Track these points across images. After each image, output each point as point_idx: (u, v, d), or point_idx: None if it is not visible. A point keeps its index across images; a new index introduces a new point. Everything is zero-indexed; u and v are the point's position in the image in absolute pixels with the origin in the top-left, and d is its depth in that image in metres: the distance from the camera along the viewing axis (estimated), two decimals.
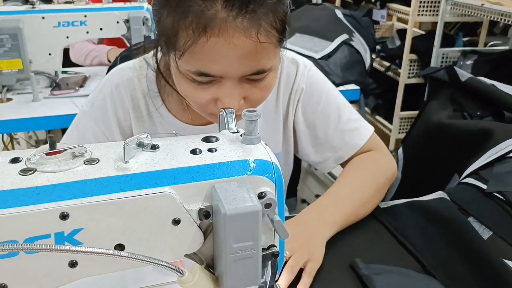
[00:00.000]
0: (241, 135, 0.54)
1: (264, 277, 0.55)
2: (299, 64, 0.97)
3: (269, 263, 0.53)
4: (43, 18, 1.61)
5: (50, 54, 1.66)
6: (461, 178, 1.12)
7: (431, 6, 2.71)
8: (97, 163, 0.48)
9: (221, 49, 0.69)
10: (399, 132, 2.95)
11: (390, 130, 3.03)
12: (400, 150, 1.39)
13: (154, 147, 0.51)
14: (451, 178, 1.23)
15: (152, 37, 1.70)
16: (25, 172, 0.46)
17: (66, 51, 1.84)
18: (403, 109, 2.92)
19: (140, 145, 0.50)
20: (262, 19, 0.69)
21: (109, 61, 1.97)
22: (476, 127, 1.17)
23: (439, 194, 1.02)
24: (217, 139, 0.54)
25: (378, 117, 3.11)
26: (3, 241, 0.42)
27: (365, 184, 0.93)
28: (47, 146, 0.49)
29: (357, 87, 1.77)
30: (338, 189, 0.92)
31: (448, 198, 0.97)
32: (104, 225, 0.46)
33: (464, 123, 1.20)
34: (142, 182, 0.47)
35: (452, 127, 1.21)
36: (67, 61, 1.95)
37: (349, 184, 0.93)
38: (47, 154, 0.47)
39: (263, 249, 0.52)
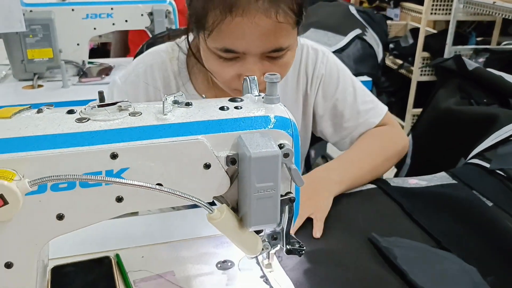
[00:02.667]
0: (262, 97, 0.62)
1: (281, 222, 0.62)
2: (318, 51, 1.06)
3: (286, 207, 0.61)
4: (72, 10, 1.71)
5: (78, 44, 1.76)
6: (467, 159, 1.18)
7: (444, 5, 2.76)
8: (140, 115, 0.56)
9: (244, 28, 0.78)
10: None
11: (403, 127, 3.08)
12: (410, 137, 1.45)
13: (188, 104, 0.59)
14: (458, 162, 1.29)
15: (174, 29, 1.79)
16: (80, 120, 0.54)
17: None
18: (415, 106, 2.97)
19: (176, 102, 0.58)
20: (281, 2, 0.79)
21: None
22: (482, 112, 1.23)
23: (442, 174, 1.07)
24: (241, 100, 0.62)
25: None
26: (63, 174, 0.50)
27: (374, 153, 1.00)
28: (96, 101, 0.57)
29: (369, 79, 1.84)
30: (347, 155, 1.00)
31: (452, 179, 1.02)
32: (146, 166, 0.54)
33: (471, 109, 1.26)
34: (178, 130, 0.55)
35: (459, 113, 1.27)
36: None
37: (358, 151, 1.00)
38: (98, 106, 0.55)
39: (281, 196, 0.59)
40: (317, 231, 0.82)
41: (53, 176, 0.49)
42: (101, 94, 0.58)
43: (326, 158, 2.87)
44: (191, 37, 0.97)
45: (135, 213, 1.06)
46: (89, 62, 1.90)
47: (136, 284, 0.68)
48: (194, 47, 0.96)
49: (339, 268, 0.75)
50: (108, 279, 0.68)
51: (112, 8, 1.73)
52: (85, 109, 0.56)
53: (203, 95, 0.97)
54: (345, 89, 1.06)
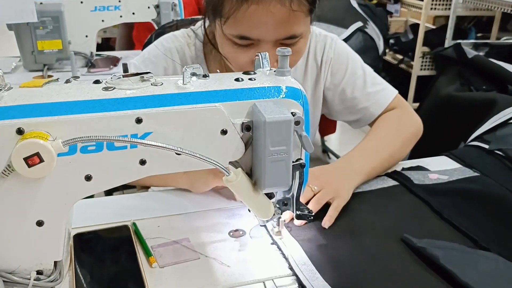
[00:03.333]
0: (274, 71, 0.66)
1: (292, 188, 0.66)
2: (327, 37, 1.09)
3: (297, 173, 0.65)
4: (81, 2, 1.75)
5: (86, 36, 1.80)
6: (467, 142, 1.22)
7: (443, 0, 2.80)
8: (161, 85, 0.60)
9: (260, 15, 0.81)
10: None
11: None
12: None
13: (205, 76, 0.63)
14: (458, 146, 1.33)
15: None
16: (106, 89, 0.58)
17: None
18: (415, 100, 3.01)
19: (194, 74, 0.63)
20: None
21: None
22: (481, 97, 1.27)
23: (442, 157, 1.11)
24: (255, 73, 0.66)
25: None
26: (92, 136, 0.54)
27: (391, 138, 1.02)
28: (120, 72, 0.61)
29: None
30: (365, 143, 1.02)
31: (473, 172, 1.00)
32: (168, 131, 0.58)
33: (470, 95, 1.30)
34: (197, 98, 0.59)
35: (459, 99, 1.31)
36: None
37: (376, 138, 1.03)
38: (123, 76, 0.60)
39: (292, 162, 0.63)
40: (327, 221, 0.80)
41: (84, 137, 0.54)
42: (125, 66, 0.62)
43: (326, 152, 2.91)
44: (207, 24, 1.00)
45: (147, 188, 1.10)
46: (97, 55, 1.94)
47: (154, 249, 0.72)
48: (210, 34, 0.99)
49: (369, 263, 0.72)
50: (128, 244, 0.72)
51: (119, 1, 1.77)
52: (111, 79, 0.60)
53: (218, 70, 1.01)
54: (354, 72, 1.09)
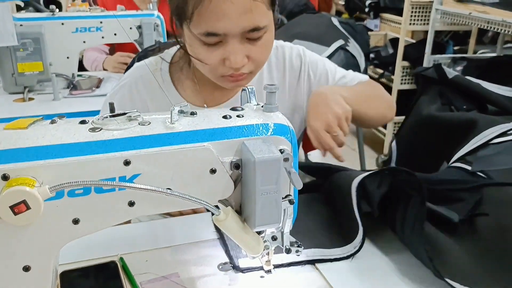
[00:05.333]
0: (262, 106, 0.66)
1: (281, 223, 0.66)
2: (298, 48, 1.14)
3: (286, 209, 0.65)
4: (62, 24, 1.73)
5: (68, 57, 1.79)
6: (449, 163, 1.24)
7: (422, 15, 2.86)
8: (149, 124, 0.60)
9: (223, 7, 0.83)
10: None
11: (384, 135, 3.16)
12: (394, 143, 1.51)
13: (192, 114, 0.63)
14: (440, 166, 1.34)
15: (163, 41, 1.83)
16: (93, 130, 0.58)
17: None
18: (397, 113, 3.04)
19: (181, 112, 0.62)
20: None
21: (104, 69, 2.15)
22: (462, 118, 1.29)
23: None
24: (242, 109, 0.66)
25: None
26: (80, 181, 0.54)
27: (372, 89, 1.12)
28: (106, 112, 0.61)
29: None
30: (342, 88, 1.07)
31: None
32: (157, 172, 0.58)
33: (451, 115, 1.32)
34: (186, 138, 0.59)
35: (440, 119, 1.33)
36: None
37: (355, 86, 1.12)
38: (110, 116, 0.59)
39: (281, 198, 0.63)
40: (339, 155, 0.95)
41: (72, 182, 0.53)
42: (111, 105, 0.61)
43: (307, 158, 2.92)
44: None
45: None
46: (78, 75, 1.92)
47: (143, 286, 0.71)
48: (179, 56, 1.03)
49: None
50: (116, 281, 0.71)
51: (101, 22, 1.76)
52: (97, 119, 0.59)
53: (205, 105, 1.02)
54: (327, 70, 1.14)
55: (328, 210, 0.97)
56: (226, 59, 0.89)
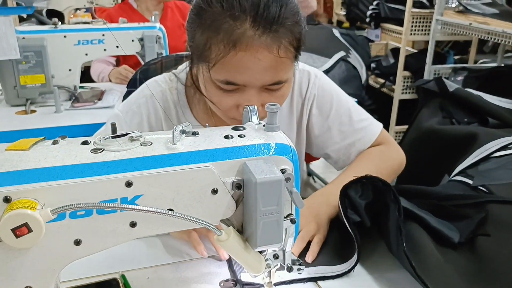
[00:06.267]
0: (263, 126, 0.66)
1: (283, 242, 0.66)
2: (310, 74, 1.10)
3: (288, 228, 0.65)
4: (64, 37, 1.74)
5: (70, 70, 1.79)
6: (450, 177, 1.24)
7: (422, 26, 2.87)
8: (151, 145, 0.60)
9: (247, 62, 0.82)
10: None
11: None
12: None
13: (194, 134, 0.63)
14: (442, 179, 1.35)
15: (164, 54, 1.84)
16: (95, 151, 0.58)
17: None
18: (397, 123, 3.05)
19: (183, 132, 0.63)
20: (282, 38, 0.82)
21: (110, 80, 2.16)
22: (462, 131, 1.30)
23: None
24: (244, 128, 0.66)
25: None
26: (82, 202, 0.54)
27: (369, 172, 1.03)
28: (107, 131, 0.61)
29: (354, 100, 1.90)
30: (343, 177, 1.03)
31: None
32: (159, 193, 0.58)
33: (452, 128, 1.33)
34: (187, 159, 0.59)
35: (441, 132, 1.33)
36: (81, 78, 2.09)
37: (353, 172, 1.04)
38: (112, 137, 0.59)
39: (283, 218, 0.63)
40: (311, 256, 0.85)
41: (73, 204, 0.53)
42: (113, 125, 0.62)
43: (311, 175, 2.92)
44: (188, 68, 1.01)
45: None
46: (80, 87, 1.93)
47: None
48: (194, 76, 0.99)
49: None
50: None
51: (103, 35, 1.77)
52: (99, 140, 0.60)
53: (206, 124, 1.01)
54: (339, 108, 1.09)
55: (335, 227, 0.95)
56: (240, 105, 0.88)
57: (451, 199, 0.94)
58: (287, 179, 0.61)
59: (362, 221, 0.87)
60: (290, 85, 0.94)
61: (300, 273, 0.70)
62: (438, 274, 0.76)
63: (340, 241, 0.90)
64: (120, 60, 2.29)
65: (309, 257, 0.85)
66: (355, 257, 0.82)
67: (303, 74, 1.10)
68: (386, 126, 3.10)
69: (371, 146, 1.11)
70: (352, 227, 0.83)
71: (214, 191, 0.60)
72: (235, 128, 0.66)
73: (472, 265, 0.79)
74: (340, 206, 0.85)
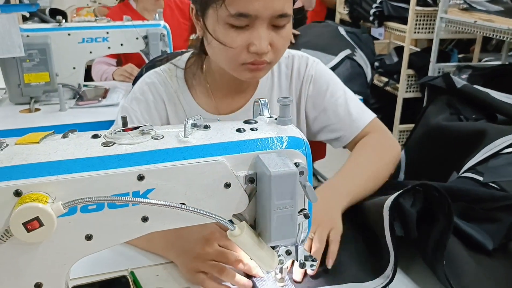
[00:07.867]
0: (275, 119, 0.65)
1: (296, 237, 0.65)
2: (309, 58, 1.14)
3: (301, 223, 0.64)
4: (69, 34, 1.74)
5: (74, 68, 1.79)
6: (459, 173, 1.23)
7: (426, 24, 2.85)
8: (162, 138, 0.59)
9: None
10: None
11: None
12: (403, 153, 1.49)
13: (206, 127, 0.62)
14: (450, 176, 1.33)
15: (168, 52, 1.83)
16: (106, 144, 0.57)
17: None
18: (401, 122, 3.04)
19: (195, 125, 0.62)
20: None
21: (113, 79, 2.17)
22: (471, 128, 1.28)
23: None
24: (256, 122, 0.65)
25: None
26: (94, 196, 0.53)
27: (372, 161, 1.04)
28: (119, 126, 0.60)
29: (360, 97, 1.89)
30: (346, 167, 1.03)
31: None
32: (171, 186, 0.57)
33: (460, 125, 1.31)
34: (200, 152, 0.58)
35: (449, 129, 1.32)
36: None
37: (357, 162, 1.05)
38: (123, 130, 0.58)
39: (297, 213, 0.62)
40: (331, 258, 0.81)
41: (85, 198, 0.52)
42: (124, 119, 0.61)
43: (315, 175, 2.91)
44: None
45: None
46: (84, 85, 1.92)
47: None
48: (193, 63, 1.05)
49: None
50: None
51: (107, 32, 1.77)
52: (110, 133, 0.59)
53: (218, 119, 1.01)
54: (335, 91, 1.12)
55: (360, 238, 0.91)
56: (251, 44, 0.89)
57: (480, 202, 0.91)
58: (301, 173, 0.60)
59: (403, 235, 0.81)
60: (291, 28, 0.96)
61: (313, 269, 0.69)
62: (476, 285, 0.74)
63: (368, 252, 0.86)
64: (122, 61, 2.29)
65: (329, 260, 0.81)
66: (389, 271, 0.77)
67: (302, 59, 1.14)
68: (390, 125, 3.09)
69: (365, 130, 1.12)
70: (393, 240, 0.78)
71: (227, 185, 0.59)
72: (246, 122, 0.65)
73: (510, 271, 0.77)
74: (386, 217, 0.79)
